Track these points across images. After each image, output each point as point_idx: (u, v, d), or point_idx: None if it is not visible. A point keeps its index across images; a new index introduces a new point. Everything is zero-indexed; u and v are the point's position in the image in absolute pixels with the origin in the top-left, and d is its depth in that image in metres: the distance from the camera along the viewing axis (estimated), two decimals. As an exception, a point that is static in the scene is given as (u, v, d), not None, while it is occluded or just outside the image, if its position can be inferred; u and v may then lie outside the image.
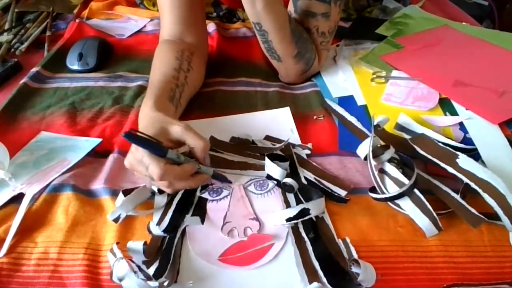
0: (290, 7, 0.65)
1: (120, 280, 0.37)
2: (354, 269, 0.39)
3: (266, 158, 0.49)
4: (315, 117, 0.61)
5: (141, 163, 0.43)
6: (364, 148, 0.50)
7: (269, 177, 0.50)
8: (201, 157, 0.46)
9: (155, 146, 0.42)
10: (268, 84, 0.68)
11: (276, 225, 0.45)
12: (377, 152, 0.49)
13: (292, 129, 0.58)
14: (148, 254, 0.41)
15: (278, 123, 0.59)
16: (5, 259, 0.41)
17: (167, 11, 0.63)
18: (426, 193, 0.45)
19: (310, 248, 0.42)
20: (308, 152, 0.54)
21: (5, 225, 0.44)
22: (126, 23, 0.86)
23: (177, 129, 0.46)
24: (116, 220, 0.44)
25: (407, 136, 0.54)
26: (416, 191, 0.45)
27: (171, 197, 0.47)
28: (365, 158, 0.50)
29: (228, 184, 0.49)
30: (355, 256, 0.41)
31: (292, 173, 0.50)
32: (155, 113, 0.48)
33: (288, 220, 0.44)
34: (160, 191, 0.48)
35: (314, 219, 0.45)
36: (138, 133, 0.42)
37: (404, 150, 0.50)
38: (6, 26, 0.83)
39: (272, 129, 0.57)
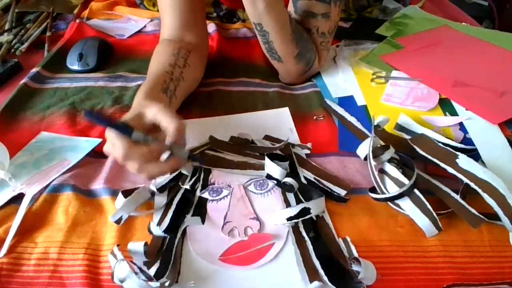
0: (290, 8, 0.65)
1: (122, 281, 0.37)
2: (355, 267, 0.39)
3: (266, 157, 0.49)
4: (315, 117, 0.61)
5: (111, 145, 0.41)
6: (364, 148, 0.50)
7: (269, 177, 0.50)
8: (173, 138, 0.42)
9: (119, 125, 0.40)
10: (268, 84, 0.68)
11: (277, 225, 0.45)
12: (377, 152, 0.49)
13: (291, 129, 0.58)
14: (149, 255, 0.41)
15: (277, 123, 0.59)
16: (5, 259, 0.41)
17: (168, 11, 0.63)
18: (426, 193, 0.45)
19: (310, 247, 0.42)
20: (308, 151, 0.54)
21: (5, 225, 0.44)
22: (126, 24, 0.87)
23: (152, 110, 0.43)
24: (117, 222, 0.44)
25: (407, 136, 0.54)
26: (416, 191, 0.45)
27: (171, 197, 0.47)
28: (365, 158, 0.50)
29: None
30: (356, 254, 0.41)
31: (292, 172, 0.50)
32: (144, 100, 0.46)
33: (289, 219, 0.44)
34: (160, 191, 0.48)
35: (314, 218, 0.45)
36: (100, 114, 0.40)
37: (404, 150, 0.50)
38: (6, 26, 0.83)
39: (272, 129, 0.57)
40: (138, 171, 0.42)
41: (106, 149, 0.43)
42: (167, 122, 0.42)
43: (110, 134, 0.41)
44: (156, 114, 0.43)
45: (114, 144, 0.40)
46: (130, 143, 0.40)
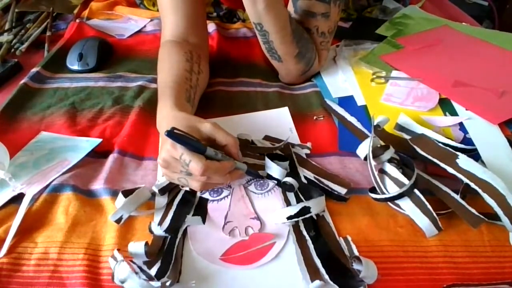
0: (290, 7, 0.65)
1: (122, 282, 0.37)
2: (356, 266, 0.40)
3: (266, 157, 0.49)
4: (315, 117, 0.61)
5: (178, 161, 0.43)
6: (364, 148, 0.50)
7: (269, 177, 0.50)
8: (235, 152, 0.46)
9: (195, 143, 0.43)
10: (268, 84, 0.69)
11: (277, 224, 0.45)
12: (377, 152, 0.49)
13: (291, 128, 0.58)
14: (150, 255, 0.41)
15: (277, 123, 0.59)
16: (5, 259, 0.41)
17: (170, 11, 0.63)
18: (426, 193, 0.45)
19: (311, 246, 0.42)
20: (308, 151, 0.54)
21: (5, 225, 0.44)
22: (126, 23, 0.87)
23: (207, 127, 0.45)
24: (118, 221, 0.44)
25: (407, 137, 0.54)
26: (416, 191, 0.45)
27: (172, 198, 0.47)
28: (365, 158, 0.50)
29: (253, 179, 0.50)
30: (356, 253, 0.41)
31: (292, 172, 0.50)
32: (179, 113, 0.48)
33: (289, 218, 0.44)
34: (161, 192, 0.48)
35: (315, 217, 0.45)
36: (177, 131, 0.42)
37: (404, 150, 0.50)
38: (7, 26, 0.83)
39: (271, 129, 0.57)
40: (205, 183, 0.44)
41: (165, 163, 0.44)
42: (225, 139, 0.45)
43: (180, 151, 0.42)
44: (212, 131, 0.45)
45: (189, 161, 0.42)
46: (205, 160, 0.42)
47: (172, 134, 0.41)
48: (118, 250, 0.41)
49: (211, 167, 0.42)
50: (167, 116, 0.48)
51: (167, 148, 0.43)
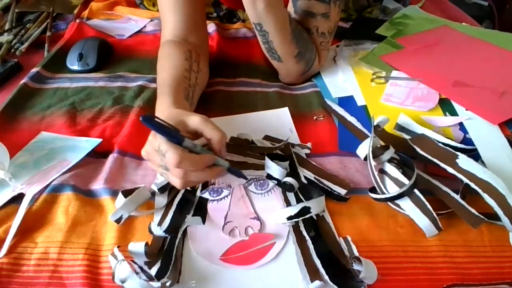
0: (290, 7, 0.65)
1: (123, 282, 0.37)
2: (356, 266, 0.40)
3: (266, 157, 0.49)
4: (315, 117, 0.61)
5: (157, 152, 0.42)
6: (364, 148, 0.50)
7: (269, 177, 0.50)
8: (218, 148, 0.44)
9: (172, 132, 0.41)
10: (268, 84, 0.69)
11: (277, 224, 0.45)
12: (377, 152, 0.49)
13: (291, 129, 0.58)
14: (150, 255, 0.41)
15: (277, 123, 0.59)
16: (5, 259, 0.41)
17: (170, 12, 0.63)
18: (426, 193, 0.45)
19: (311, 246, 0.42)
20: (308, 151, 0.54)
21: (5, 225, 0.44)
22: (126, 24, 0.86)
23: (195, 120, 0.44)
24: (118, 221, 0.44)
25: (407, 137, 0.54)
26: (416, 191, 0.45)
27: (171, 198, 0.47)
28: (365, 158, 0.50)
29: (241, 182, 0.49)
30: (356, 254, 0.41)
31: (292, 172, 0.50)
32: (175, 109, 0.47)
33: (289, 218, 0.44)
34: (161, 191, 0.48)
35: (315, 217, 0.45)
36: (156, 119, 0.41)
37: (404, 150, 0.50)
38: (7, 27, 0.83)
39: (271, 129, 0.57)
40: (182, 177, 0.42)
41: (146, 155, 0.44)
42: (211, 133, 0.44)
43: (158, 141, 0.41)
44: (200, 124, 0.44)
45: (165, 152, 0.41)
46: (182, 151, 0.41)
47: (147, 119, 0.40)
48: (118, 247, 0.41)
49: (187, 159, 0.40)
50: (164, 113, 0.47)
51: (149, 139, 0.43)
